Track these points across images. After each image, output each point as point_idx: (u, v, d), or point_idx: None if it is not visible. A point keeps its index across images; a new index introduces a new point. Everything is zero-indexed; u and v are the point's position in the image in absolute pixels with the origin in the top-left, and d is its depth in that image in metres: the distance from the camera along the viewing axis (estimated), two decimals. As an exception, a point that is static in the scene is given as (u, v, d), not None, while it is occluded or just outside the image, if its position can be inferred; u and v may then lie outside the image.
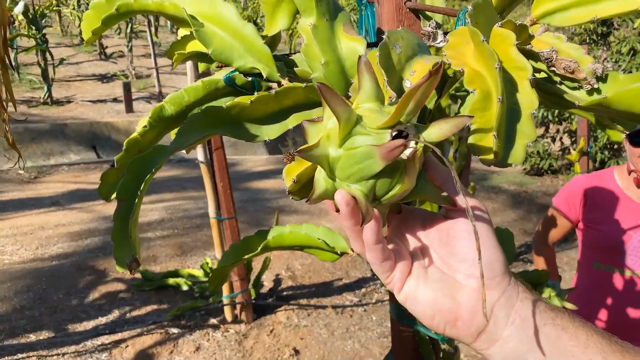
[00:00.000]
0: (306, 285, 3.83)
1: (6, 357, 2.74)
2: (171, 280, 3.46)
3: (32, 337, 2.95)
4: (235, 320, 3.30)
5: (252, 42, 0.84)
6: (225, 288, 3.23)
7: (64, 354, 2.83)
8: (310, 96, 0.75)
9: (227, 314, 3.29)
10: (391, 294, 1.06)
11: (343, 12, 0.74)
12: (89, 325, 3.12)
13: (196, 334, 3.13)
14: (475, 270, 0.45)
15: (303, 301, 3.59)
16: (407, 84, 0.53)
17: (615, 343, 0.45)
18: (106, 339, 2.98)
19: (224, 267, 1.07)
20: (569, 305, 1.21)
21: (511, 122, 0.42)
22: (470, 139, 0.43)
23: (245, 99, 0.72)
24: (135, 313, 3.27)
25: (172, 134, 0.99)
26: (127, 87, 8.54)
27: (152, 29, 10.63)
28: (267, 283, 3.80)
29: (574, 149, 5.20)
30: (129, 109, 8.68)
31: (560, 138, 6.95)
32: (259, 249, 1.04)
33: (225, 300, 3.24)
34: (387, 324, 3.27)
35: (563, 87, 0.57)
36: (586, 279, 1.74)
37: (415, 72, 0.53)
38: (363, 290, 3.83)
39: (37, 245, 4.14)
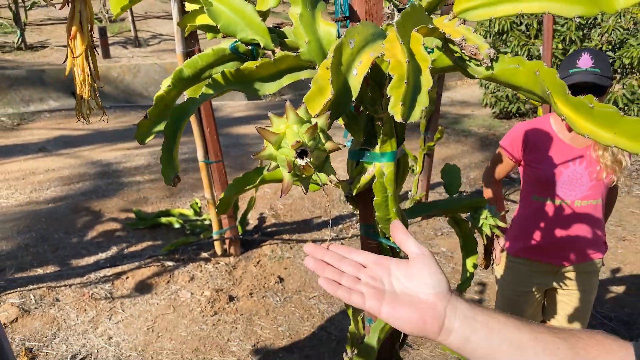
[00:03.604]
0: (288, 223, 4.16)
1: (18, 289, 3.03)
2: (164, 219, 3.74)
3: (40, 271, 3.24)
4: (225, 253, 3.63)
5: (251, 18, 1.08)
6: (214, 224, 3.54)
7: (70, 285, 3.14)
8: (299, 62, 1.00)
9: (217, 248, 3.61)
10: (361, 217, 1.35)
11: (321, 2, 0.99)
12: (90, 260, 3.41)
13: (190, 266, 3.45)
14: (430, 290, 0.67)
15: (286, 236, 3.93)
16: (354, 72, 0.80)
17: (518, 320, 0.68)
18: (108, 272, 3.29)
19: (228, 197, 1.35)
20: (501, 224, 1.53)
21: (414, 94, 0.68)
22: (390, 104, 0.69)
23: (252, 64, 0.98)
24: (132, 249, 3.56)
25: (187, 93, 1.25)
26: (102, 32, 8.44)
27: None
28: (252, 221, 4.12)
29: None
30: (106, 54, 8.62)
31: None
32: (257, 181, 1.31)
33: (215, 236, 3.55)
34: (361, 255, 3.64)
35: (471, 64, 0.84)
36: (526, 209, 2.07)
37: (362, 63, 0.79)
38: (340, 226, 4.18)
39: (31, 190, 4.35)
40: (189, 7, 1.25)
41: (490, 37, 6.53)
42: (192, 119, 3.26)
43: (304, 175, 0.76)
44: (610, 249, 4.06)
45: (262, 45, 1.08)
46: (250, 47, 1.13)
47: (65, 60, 0.78)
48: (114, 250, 3.53)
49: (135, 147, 5.61)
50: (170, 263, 3.44)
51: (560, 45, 5.98)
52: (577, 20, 6.18)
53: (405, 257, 1.47)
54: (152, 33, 10.25)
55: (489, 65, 0.81)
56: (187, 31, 1.25)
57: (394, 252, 1.38)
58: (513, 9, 0.82)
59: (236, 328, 2.93)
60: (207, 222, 3.77)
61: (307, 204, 4.47)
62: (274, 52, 1.11)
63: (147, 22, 10.88)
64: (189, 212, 3.84)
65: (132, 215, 3.84)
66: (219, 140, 3.40)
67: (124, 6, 1.14)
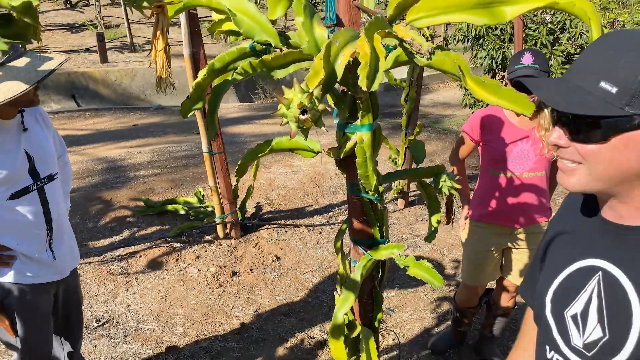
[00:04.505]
0: (283, 210, 4.56)
1: (44, 265, 3.39)
2: (170, 206, 4.12)
3: (61, 251, 3.59)
4: (226, 236, 4.01)
5: (265, 25, 1.49)
6: (217, 210, 3.92)
7: (89, 263, 3.51)
8: (301, 56, 1.41)
9: (219, 231, 3.99)
10: (347, 178, 1.74)
11: (316, 13, 1.40)
12: (105, 242, 3.78)
13: (195, 247, 3.84)
14: None
15: (281, 221, 4.32)
16: (339, 62, 1.21)
17: None
18: (122, 251, 3.66)
19: (245, 163, 1.75)
20: (457, 185, 1.94)
21: (374, 74, 1.09)
22: (359, 79, 1.09)
23: (268, 57, 1.38)
24: (142, 232, 3.94)
25: (216, 80, 1.64)
26: (100, 38, 8.80)
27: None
28: (250, 209, 4.51)
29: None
30: (104, 59, 8.96)
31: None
32: (268, 150, 1.71)
33: (217, 220, 3.93)
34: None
35: (417, 56, 1.25)
36: (485, 181, 2.49)
37: (344, 55, 1.20)
38: (330, 213, 4.59)
39: (44, 183, 4.69)
40: (215, 16, 1.65)
41: (468, 41, 7.00)
42: (198, 115, 3.65)
43: (304, 127, 1.16)
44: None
45: (273, 45, 1.49)
46: (264, 47, 1.54)
47: (149, 53, 1.17)
48: (126, 233, 3.90)
49: (137, 145, 5.98)
50: (177, 244, 3.82)
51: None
52: (548, 26, 6.67)
53: (383, 207, 1.89)
54: (147, 39, 10.61)
55: (428, 57, 1.22)
56: (215, 35, 1.65)
57: (373, 205, 1.78)
58: (444, 19, 1.23)
59: (239, 297, 3.32)
60: (209, 209, 4.15)
61: (300, 194, 4.88)
62: (281, 50, 1.51)
63: (141, 28, 11.23)
64: (193, 200, 4.23)
65: (141, 203, 4.22)
66: (221, 134, 3.79)
67: (179, 9, 1.54)
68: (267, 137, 6.54)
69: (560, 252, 0.91)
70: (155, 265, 3.58)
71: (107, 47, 9.77)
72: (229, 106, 8.83)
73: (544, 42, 6.47)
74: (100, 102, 8.12)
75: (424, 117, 7.93)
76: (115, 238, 3.84)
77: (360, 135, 1.55)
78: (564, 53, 6.50)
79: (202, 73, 1.54)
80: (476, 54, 7.02)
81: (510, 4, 1.14)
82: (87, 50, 9.67)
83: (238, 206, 4.11)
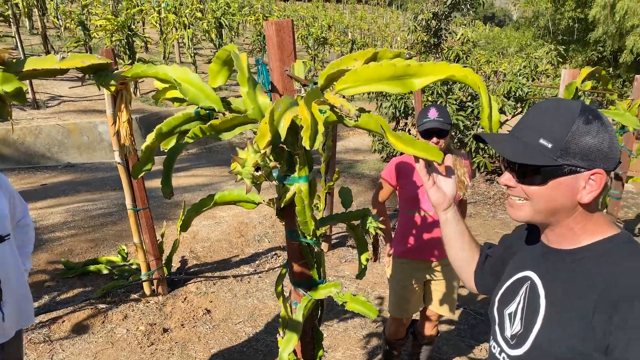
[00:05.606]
0: (209, 263, 4.58)
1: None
2: (92, 267, 4.01)
3: (-27, 324, 3.36)
4: (153, 293, 3.96)
5: (209, 93, 1.66)
6: (143, 267, 3.88)
7: (7, 333, 3.30)
8: (246, 120, 1.59)
9: (146, 289, 3.94)
10: (286, 225, 1.91)
11: (258, 84, 1.60)
12: (23, 310, 3.58)
13: (122, 306, 3.75)
14: (450, 192, 1.37)
15: (208, 274, 4.34)
16: (282, 125, 1.41)
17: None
18: (43, 318, 3.49)
19: (189, 217, 1.86)
20: (382, 225, 2.18)
21: (315, 135, 1.30)
22: (303, 140, 1.30)
23: (217, 122, 1.55)
24: (64, 296, 3.78)
25: (162, 145, 1.77)
26: None
27: (18, 35, 10.23)
28: (175, 263, 4.49)
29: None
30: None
31: (409, 130, 8.38)
32: (211, 204, 1.85)
33: (144, 277, 3.88)
34: (278, 284, 4.16)
35: (346, 119, 1.49)
36: (403, 221, 2.77)
37: (285, 120, 1.40)
38: (257, 262, 4.68)
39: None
40: (157, 84, 1.80)
41: (373, 93, 7.57)
42: (122, 171, 3.66)
43: (258, 182, 1.34)
44: (480, 261, 4.96)
45: (217, 110, 1.66)
46: (208, 112, 1.71)
47: (113, 123, 1.29)
48: (46, 299, 3.72)
49: (48, 206, 5.72)
50: (103, 305, 3.72)
51: (430, 98, 7.14)
52: (441, 78, 7.42)
53: (320, 250, 2.05)
54: (50, 94, 10.23)
55: (356, 119, 1.46)
56: (159, 102, 1.80)
57: (311, 249, 1.96)
58: (366, 89, 1.48)
59: (173, 354, 3.29)
60: (134, 267, 4.09)
61: (225, 245, 4.93)
62: (224, 114, 1.69)
63: (44, 84, 10.81)
64: (117, 259, 4.14)
65: (60, 266, 4.05)
66: (145, 190, 3.81)
67: (130, 78, 1.67)
68: (185, 189, 6.54)
69: (512, 264, 1.20)
70: (80, 329, 3.45)
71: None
72: (143, 161, 8.68)
73: (440, 92, 7.18)
74: (2, 162, 7.66)
75: (338, 162, 8.33)
76: (35, 304, 3.64)
77: (298, 186, 1.74)
78: (457, 100, 7.24)
79: (150, 137, 1.67)
80: (381, 104, 7.60)
81: (418, 77, 1.41)
82: (-16, 108, 9.11)
83: (164, 262, 4.09)
